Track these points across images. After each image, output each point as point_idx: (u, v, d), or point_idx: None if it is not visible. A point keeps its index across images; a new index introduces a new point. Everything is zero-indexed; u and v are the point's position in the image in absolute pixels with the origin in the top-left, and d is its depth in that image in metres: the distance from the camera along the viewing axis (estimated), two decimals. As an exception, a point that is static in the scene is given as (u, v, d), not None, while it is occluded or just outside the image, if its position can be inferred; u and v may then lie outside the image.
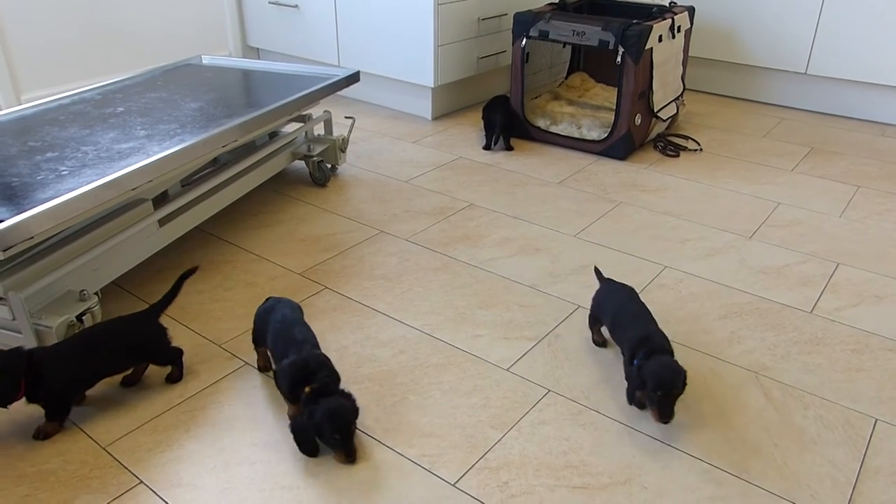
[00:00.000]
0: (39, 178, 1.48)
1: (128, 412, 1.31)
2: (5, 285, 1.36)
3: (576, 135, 2.53)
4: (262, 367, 1.43)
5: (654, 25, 2.31)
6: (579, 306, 1.63)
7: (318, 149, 2.25)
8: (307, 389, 1.19)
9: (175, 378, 1.39)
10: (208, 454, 1.22)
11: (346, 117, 2.36)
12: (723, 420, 1.30)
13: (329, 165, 2.30)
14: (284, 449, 1.22)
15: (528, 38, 2.48)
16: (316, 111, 2.36)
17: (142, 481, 1.16)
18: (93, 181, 1.43)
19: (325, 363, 1.24)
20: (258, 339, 1.40)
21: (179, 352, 1.40)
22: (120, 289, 1.69)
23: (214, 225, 2.00)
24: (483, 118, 2.59)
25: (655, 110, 2.46)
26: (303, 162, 2.34)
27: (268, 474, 1.17)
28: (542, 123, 2.60)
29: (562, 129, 2.57)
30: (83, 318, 1.41)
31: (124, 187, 1.48)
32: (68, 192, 1.38)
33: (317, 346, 1.30)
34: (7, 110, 1.91)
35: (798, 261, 1.84)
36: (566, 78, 2.99)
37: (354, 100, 3.12)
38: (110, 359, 1.31)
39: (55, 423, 1.26)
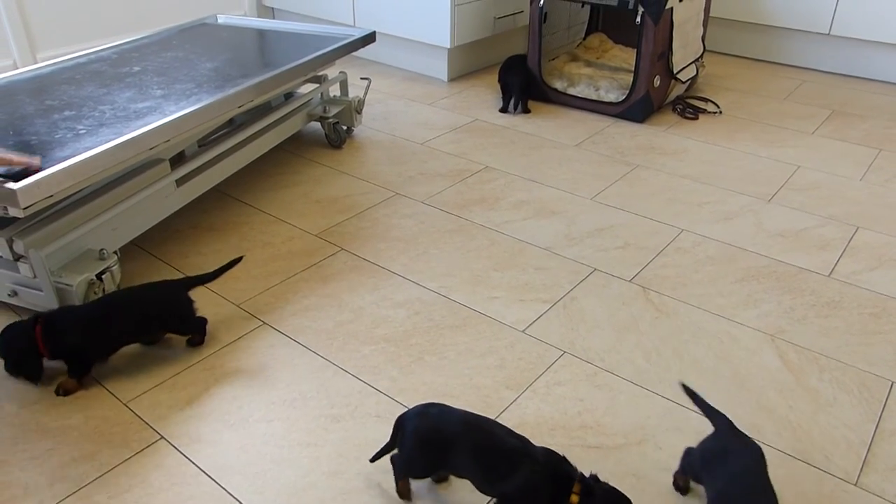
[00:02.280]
0: (57, 136, 1.48)
1: (148, 370, 1.33)
2: (26, 243, 1.38)
3: (593, 97, 2.49)
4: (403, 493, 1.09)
5: (676, -16, 2.26)
6: (595, 269, 1.62)
7: (333, 110, 2.23)
8: None
9: (196, 342, 1.40)
10: (227, 411, 1.24)
11: (362, 78, 2.34)
12: (738, 382, 1.30)
13: (345, 127, 2.29)
14: (302, 407, 1.24)
15: (547, -4, 2.44)
16: (331, 72, 2.34)
17: (163, 437, 1.19)
18: (110, 140, 1.43)
19: None
20: (435, 463, 1.04)
21: (203, 322, 1.40)
22: (138, 248, 1.71)
23: (231, 186, 2.00)
24: (499, 80, 2.55)
25: (675, 72, 2.42)
26: (318, 123, 2.33)
27: (287, 431, 1.19)
28: (559, 85, 2.57)
29: (579, 90, 2.53)
30: (103, 276, 1.43)
31: (142, 146, 1.48)
32: (86, 150, 1.39)
33: None
34: (23, 69, 1.90)
35: (817, 224, 1.82)
36: (584, 39, 2.93)
37: (369, 61, 3.09)
38: (131, 325, 1.32)
39: (74, 379, 1.29)
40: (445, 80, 2.86)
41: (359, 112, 2.32)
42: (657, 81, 2.37)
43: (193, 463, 1.14)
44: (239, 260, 1.47)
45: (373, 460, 1.09)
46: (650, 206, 1.90)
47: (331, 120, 2.22)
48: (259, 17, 3.31)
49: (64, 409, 1.24)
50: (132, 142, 1.45)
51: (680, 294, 1.54)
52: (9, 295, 1.44)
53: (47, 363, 1.29)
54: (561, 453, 1.00)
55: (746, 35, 3.10)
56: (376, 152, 2.22)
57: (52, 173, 1.30)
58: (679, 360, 1.35)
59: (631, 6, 2.26)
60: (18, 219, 1.43)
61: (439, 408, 1.04)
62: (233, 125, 2.06)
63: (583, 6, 2.88)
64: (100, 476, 1.11)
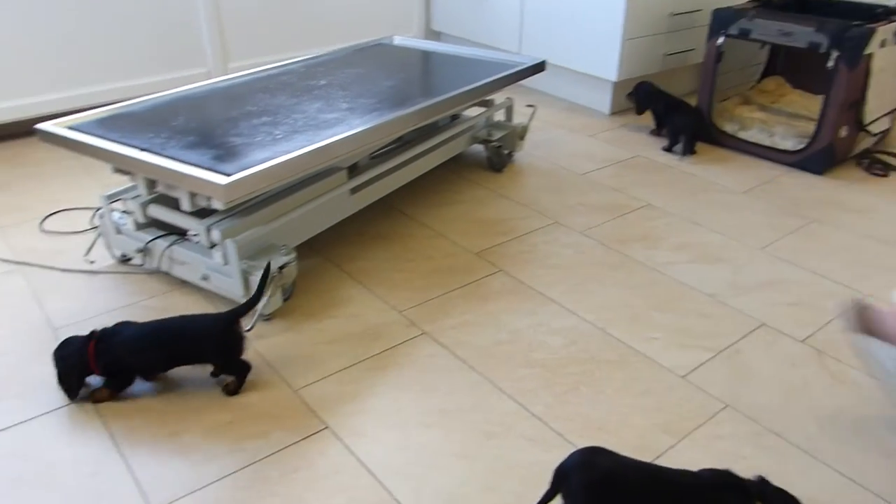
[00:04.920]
0: (258, 139, 1.62)
1: (316, 362, 1.42)
2: (223, 232, 1.51)
3: (767, 143, 2.40)
4: None
5: (879, 28, 2.13)
6: (763, 323, 1.56)
7: (497, 134, 2.28)
8: None
9: (231, 391, 1.33)
10: (389, 412, 1.29)
11: (528, 105, 2.38)
12: (921, 464, 1.20)
13: (507, 152, 2.34)
14: (458, 419, 1.28)
15: (727, 36, 2.38)
16: (498, 97, 2.40)
17: (328, 426, 1.26)
18: (304, 146, 1.55)
19: None
20: None
21: (247, 367, 1.35)
22: (311, 249, 1.82)
23: (397, 199, 2.09)
24: (657, 113, 2.52)
25: (865, 123, 2.28)
26: (481, 146, 2.39)
27: (443, 440, 1.23)
28: (729, 128, 2.49)
29: (751, 135, 2.44)
30: (283, 269, 1.54)
31: (331, 154, 1.58)
32: (284, 154, 1.51)
33: None
34: (223, 77, 2.09)
35: None
36: (759, 81, 2.83)
37: (530, 88, 3.13)
38: (173, 353, 1.32)
39: (109, 389, 1.32)
40: (607, 112, 2.85)
41: (522, 138, 2.36)
42: (844, 132, 2.24)
43: (355, 456, 1.20)
44: (268, 272, 1.43)
45: None
46: (828, 264, 1.79)
47: (494, 144, 2.27)
48: (426, 39, 3.45)
49: (243, 388, 1.35)
50: (324, 149, 1.56)
51: (862, 363, 1.44)
52: (201, 279, 1.58)
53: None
54: (723, 468, 1.02)
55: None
56: (536, 179, 2.25)
57: (255, 172, 1.42)
58: (856, 435, 1.26)
59: (823, 50, 2.16)
60: (215, 211, 1.58)
61: (607, 456, 1.02)
62: (401, 142, 2.16)
63: (762, 47, 2.78)
64: (272, 454, 1.20)
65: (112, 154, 1.51)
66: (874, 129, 2.33)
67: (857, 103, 2.22)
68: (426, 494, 1.13)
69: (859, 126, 2.28)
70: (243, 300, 1.52)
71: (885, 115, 2.39)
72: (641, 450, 1.21)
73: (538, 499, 1.05)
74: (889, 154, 2.44)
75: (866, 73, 2.18)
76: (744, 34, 2.34)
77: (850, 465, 1.20)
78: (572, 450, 1.18)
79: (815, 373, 1.41)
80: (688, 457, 1.20)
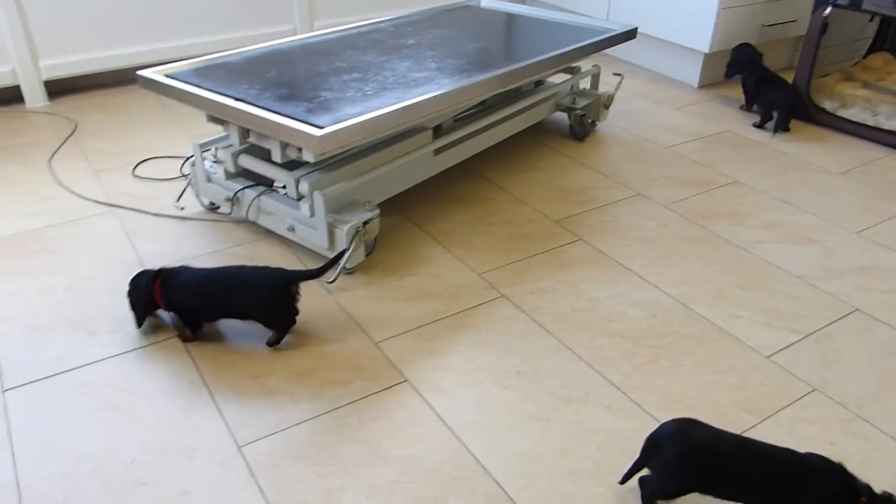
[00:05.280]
0: (349, 94, 1.63)
1: (396, 317, 1.44)
2: (311, 185, 1.54)
3: (870, 122, 2.28)
4: None
5: None
6: (857, 309, 1.49)
7: (582, 102, 2.24)
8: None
9: (271, 341, 1.35)
10: (466, 370, 1.31)
11: (615, 74, 2.33)
12: None
13: (590, 120, 2.29)
14: (535, 381, 1.28)
15: (835, 6, 2.25)
16: (585, 65, 2.35)
17: (407, 380, 1.28)
18: (394, 104, 1.55)
19: None
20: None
21: (289, 323, 1.36)
22: (393, 207, 1.84)
23: (478, 163, 2.09)
24: (747, 87, 2.41)
25: (975, 107, 2.14)
26: (564, 114, 2.35)
27: (520, 401, 1.24)
28: (828, 105, 2.38)
29: (852, 113, 2.32)
30: (367, 224, 1.56)
31: (420, 113, 1.59)
32: (375, 110, 1.52)
33: None
34: (307, 34, 2.10)
35: None
36: (864, 57, 2.68)
37: (616, 58, 3.05)
38: (227, 302, 1.34)
39: (189, 329, 1.37)
40: (696, 85, 2.76)
41: (607, 107, 2.31)
42: (951, 115, 2.11)
43: (433, 409, 1.22)
44: (342, 254, 1.43)
45: (623, 481, 1.06)
46: (926, 251, 1.71)
47: (578, 112, 2.23)
48: (513, 2, 3.39)
49: (325, 337, 1.38)
50: (413, 107, 1.56)
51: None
52: (287, 229, 1.62)
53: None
54: (836, 461, 0.97)
55: None
56: (619, 149, 2.20)
57: (347, 126, 1.44)
58: (951, 425, 1.21)
59: (937, 28, 2.03)
60: (303, 164, 1.61)
61: (702, 427, 1.00)
62: (485, 106, 2.14)
63: (871, 19, 2.63)
64: (352, 402, 1.23)
65: (209, 102, 1.55)
66: None
67: (974, 84, 2.08)
68: (501, 452, 1.14)
69: (974, 109, 2.14)
70: (327, 252, 1.56)
71: None
72: (723, 427, 1.19)
73: (626, 468, 1.05)
74: None
75: None
76: (855, 4, 2.21)
77: (945, 459, 1.15)
78: (651, 421, 1.17)
79: (911, 363, 1.35)
80: (771, 438, 1.17)
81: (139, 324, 1.38)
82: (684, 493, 1.01)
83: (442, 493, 1.07)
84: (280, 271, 1.36)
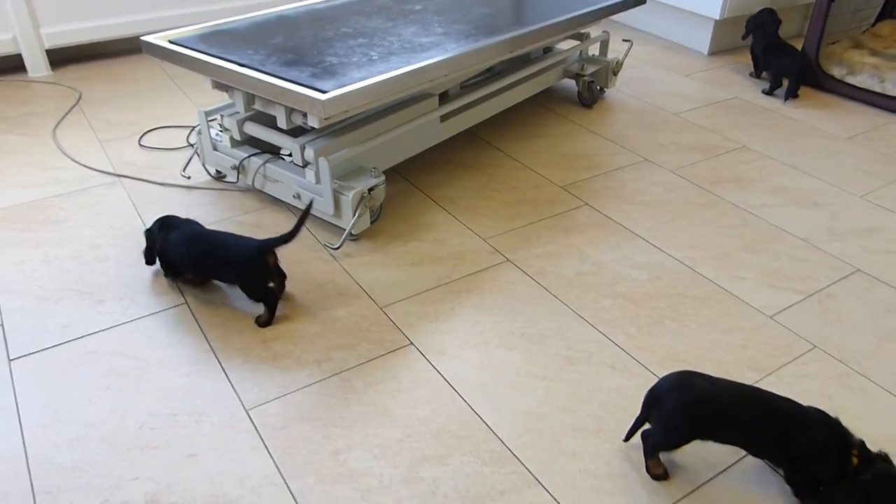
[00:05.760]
0: (354, 59, 1.63)
1: (401, 282, 1.45)
2: (316, 151, 1.55)
3: (877, 89, 2.26)
4: None
5: None
6: (858, 269, 1.50)
7: (590, 69, 2.23)
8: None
9: (261, 322, 1.34)
10: (471, 333, 1.32)
11: (624, 40, 2.31)
12: None
13: (599, 87, 2.28)
14: (540, 343, 1.29)
15: (844, -28, 2.22)
16: (594, 31, 2.33)
17: (412, 343, 1.30)
18: (400, 68, 1.55)
19: None
20: None
21: (270, 295, 1.34)
22: (398, 174, 1.84)
23: (484, 130, 2.08)
24: (755, 54, 2.39)
25: None
26: (571, 80, 2.34)
27: (524, 362, 1.25)
28: (836, 72, 2.35)
29: (860, 80, 2.30)
30: (372, 191, 1.57)
31: (426, 77, 1.58)
32: (380, 74, 1.52)
33: None
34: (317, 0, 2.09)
35: None
36: (873, 25, 2.65)
37: (625, 25, 3.03)
38: (201, 266, 1.39)
39: (168, 278, 1.46)
40: (706, 52, 2.73)
41: (615, 74, 2.29)
42: (961, 79, 2.08)
43: (438, 371, 1.23)
44: (309, 210, 1.36)
45: (626, 438, 1.08)
46: (933, 214, 1.70)
47: (587, 78, 2.22)
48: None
49: (330, 302, 1.40)
50: (419, 71, 1.56)
51: None
52: (293, 196, 1.63)
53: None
54: (833, 415, 0.98)
55: None
56: (627, 116, 2.19)
57: (352, 90, 1.44)
58: (952, 383, 1.22)
59: (948, -10, 2.00)
60: (309, 131, 1.61)
61: (703, 377, 1.02)
62: (492, 72, 2.13)
63: (881, -13, 2.59)
64: (358, 365, 1.25)
65: (213, 67, 1.55)
66: None
67: (985, 46, 2.06)
68: (506, 411, 1.15)
69: (985, 72, 2.11)
70: (333, 219, 1.57)
71: None
72: (724, 385, 1.20)
73: (629, 425, 1.07)
74: None
75: None
76: (863, -31, 2.18)
77: (946, 416, 1.16)
78: (654, 380, 1.18)
79: (914, 323, 1.36)
80: (772, 396, 1.18)
81: (147, 263, 1.46)
82: (686, 443, 1.03)
83: (447, 451, 1.09)
84: (256, 241, 1.35)
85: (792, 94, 2.31)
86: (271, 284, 1.37)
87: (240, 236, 1.39)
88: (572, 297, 1.41)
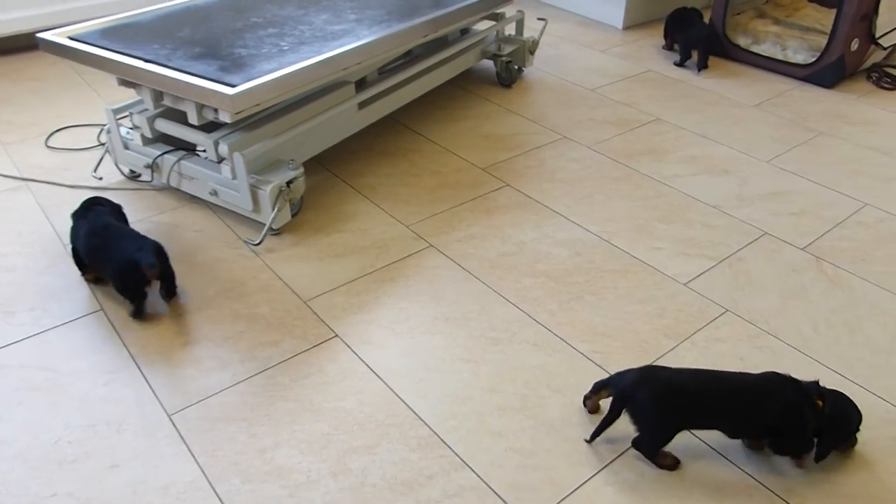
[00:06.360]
0: (264, 51, 1.60)
1: (324, 275, 1.45)
2: (230, 146, 1.52)
3: (779, 56, 2.35)
4: None
5: (897, -63, 2.05)
6: (765, 232, 1.57)
7: (507, 49, 2.24)
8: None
9: (131, 314, 1.35)
10: (395, 321, 1.33)
11: (539, 19, 2.33)
12: (915, 368, 1.23)
13: (516, 67, 2.30)
14: (464, 326, 1.31)
15: (744, -56, 2.29)
16: (509, 11, 2.34)
17: (337, 335, 1.30)
18: (311, 58, 1.53)
19: None
20: None
21: (140, 297, 1.33)
22: (319, 165, 1.83)
23: (404, 115, 2.08)
24: (667, 34, 2.46)
25: (877, 36, 2.22)
26: (490, 61, 2.35)
27: (449, 346, 1.27)
28: (742, 42, 2.43)
29: (764, 49, 2.39)
30: (291, 184, 1.55)
31: (339, 66, 1.57)
32: (290, 65, 1.49)
33: None
34: (230, -13, 2.04)
35: None
36: (775, -7, 2.74)
37: (541, 3, 3.05)
38: (92, 259, 1.38)
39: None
40: (620, 27, 2.78)
41: (532, 53, 2.31)
42: (854, 45, 2.19)
43: (364, 362, 1.24)
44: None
45: (591, 440, 1.08)
46: (832, 175, 1.79)
47: (504, 58, 2.23)
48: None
49: (253, 299, 1.38)
50: (331, 60, 1.54)
51: (858, 269, 1.46)
52: (210, 193, 1.60)
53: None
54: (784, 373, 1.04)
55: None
56: (545, 94, 2.22)
57: (262, 83, 1.42)
58: (850, 335, 1.30)
59: (840, -41, 2.09)
60: (223, 126, 1.58)
61: (663, 370, 1.04)
62: (410, 57, 2.12)
63: (780, -43, 2.68)
64: (283, 361, 1.24)
65: (116, 64, 1.50)
66: (885, 42, 2.28)
67: (869, 16, 2.16)
68: (432, 396, 1.17)
69: (871, 39, 2.22)
70: (253, 215, 1.55)
71: (901, 27, 2.33)
72: (643, 353, 1.25)
73: (553, 401, 1.09)
74: (904, 67, 2.39)
75: (884, -18, 2.12)
76: (761, -59, 2.25)
77: (841, 361, 1.23)
78: (576, 357, 1.22)
79: (813, 278, 1.43)
80: (687, 359, 1.23)
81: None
82: (673, 435, 1.03)
83: (375, 441, 1.10)
84: (140, 250, 1.31)
85: (703, 65, 2.39)
86: (147, 290, 1.34)
87: (139, 237, 1.35)
88: (495, 279, 1.43)
